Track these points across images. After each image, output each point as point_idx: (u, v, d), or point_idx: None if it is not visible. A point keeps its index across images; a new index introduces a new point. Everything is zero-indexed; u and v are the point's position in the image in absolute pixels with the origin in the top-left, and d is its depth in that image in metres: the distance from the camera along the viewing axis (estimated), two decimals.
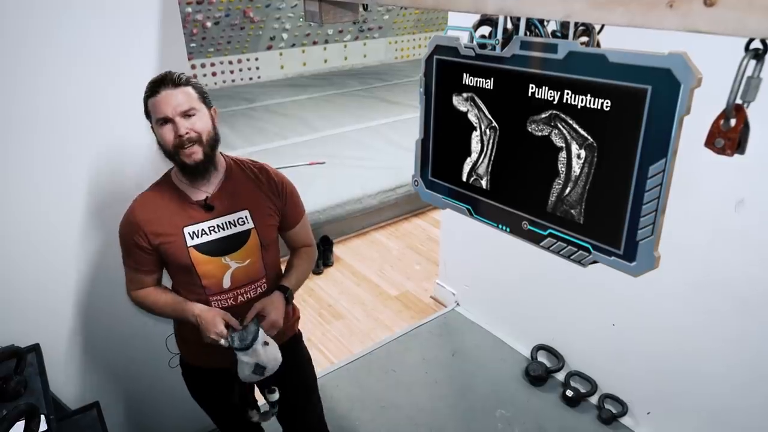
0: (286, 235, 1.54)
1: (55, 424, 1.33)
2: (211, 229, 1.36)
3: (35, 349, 1.55)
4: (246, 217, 1.39)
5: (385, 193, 3.93)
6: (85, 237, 1.65)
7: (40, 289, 1.62)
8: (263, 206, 1.43)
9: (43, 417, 1.30)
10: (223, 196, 1.38)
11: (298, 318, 1.64)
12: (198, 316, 1.34)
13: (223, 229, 1.37)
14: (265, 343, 1.34)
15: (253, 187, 1.43)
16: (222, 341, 1.32)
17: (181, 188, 1.37)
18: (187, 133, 1.25)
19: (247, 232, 1.39)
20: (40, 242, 1.58)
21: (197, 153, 1.28)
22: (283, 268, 1.55)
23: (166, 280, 1.48)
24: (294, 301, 1.58)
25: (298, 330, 1.64)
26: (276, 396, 1.53)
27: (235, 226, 1.38)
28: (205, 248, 1.36)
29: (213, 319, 1.32)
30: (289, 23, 6.38)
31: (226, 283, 1.39)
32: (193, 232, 1.35)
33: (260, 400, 1.63)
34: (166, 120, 1.25)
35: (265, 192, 1.43)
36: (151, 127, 1.31)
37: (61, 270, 1.64)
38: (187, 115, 1.26)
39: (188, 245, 1.34)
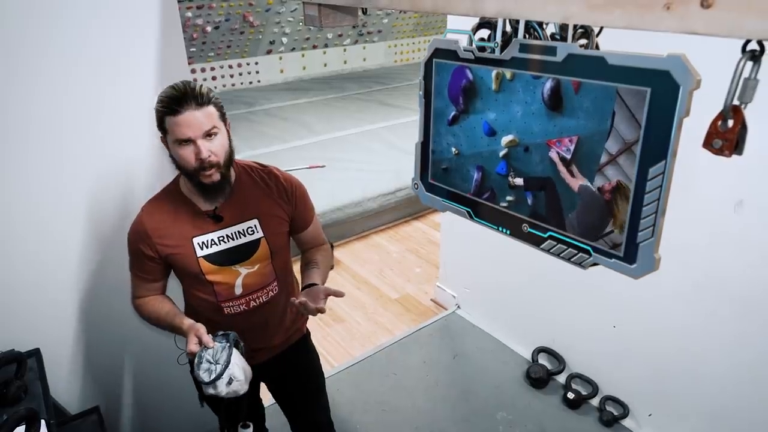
0: (298, 237, 1.52)
1: (56, 428, 1.33)
2: (220, 239, 1.35)
3: (35, 353, 1.55)
4: (255, 226, 1.38)
5: (385, 196, 3.93)
6: (85, 241, 1.65)
7: (40, 294, 1.62)
8: (273, 213, 1.41)
9: (43, 422, 1.29)
10: (232, 205, 1.36)
11: (306, 319, 1.64)
12: (186, 332, 1.29)
13: (233, 239, 1.36)
14: (230, 382, 1.23)
15: (262, 194, 1.40)
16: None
17: (190, 197, 1.35)
18: (209, 156, 1.22)
19: (257, 242, 1.38)
20: (40, 246, 1.58)
21: (215, 175, 1.26)
22: (294, 267, 1.53)
23: (176, 293, 1.47)
24: None
25: (306, 329, 1.64)
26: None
27: (245, 235, 1.37)
28: (215, 258, 1.35)
29: (187, 337, 1.26)
30: (288, 27, 6.40)
31: (238, 289, 1.38)
32: (203, 243, 1.34)
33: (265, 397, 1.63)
34: (188, 141, 1.21)
35: (274, 198, 1.41)
36: (161, 137, 1.27)
37: (61, 274, 1.64)
38: (208, 134, 1.22)
39: (198, 255, 1.33)
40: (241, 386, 1.26)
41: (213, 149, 1.23)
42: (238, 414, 1.43)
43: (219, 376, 1.21)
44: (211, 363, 1.23)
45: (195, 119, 1.19)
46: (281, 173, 1.46)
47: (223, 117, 1.27)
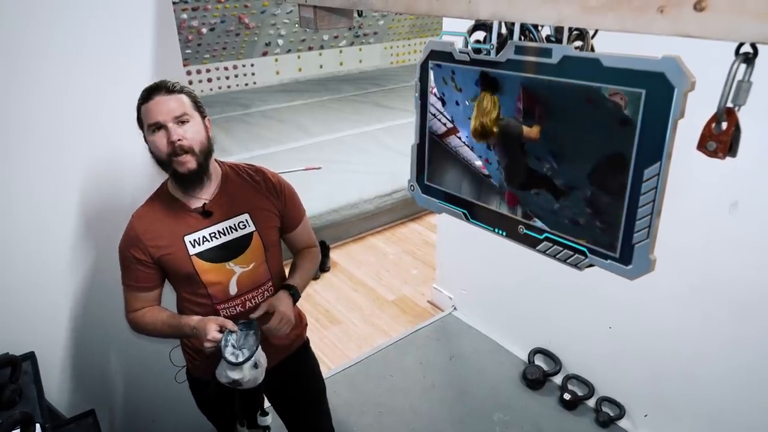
0: (288, 237, 1.52)
1: None
2: (212, 235, 1.34)
3: (30, 356, 1.54)
4: (246, 220, 1.38)
5: (382, 197, 3.93)
6: (81, 244, 1.64)
7: (35, 297, 1.61)
8: (263, 208, 1.41)
9: (38, 425, 1.29)
10: (221, 201, 1.36)
11: (306, 325, 1.62)
12: (195, 327, 1.29)
13: (224, 234, 1.35)
14: (255, 366, 1.28)
15: (251, 189, 1.41)
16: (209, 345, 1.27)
17: (178, 197, 1.34)
18: (179, 140, 1.23)
19: (249, 236, 1.38)
20: (35, 249, 1.57)
21: (191, 162, 1.26)
22: (287, 271, 1.54)
23: (171, 303, 1.46)
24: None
25: (306, 337, 1.63)
26: (268, 420, 1.51)
27: (236, 230, 1.37)
28: (208, 255, 1.34)
29: (206, 327, 1.27)
30: (284, 29, 6.40)
31: (233, 289, 1.37)
32: (194, 240, 1.33)
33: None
34: (159, 126, 1.23)
35: (263, 194, 1.42)
36: (144, 136, 1.28)
37: (56, 277, 1.64)
38: (180, 121, 1.24)
39: (190, 254, 1.32)
40: (261, 373, 1.31)
41: (185, 135, 1.25)
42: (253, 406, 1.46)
43: (248, 359, 1.25)
44: (235, 348, 1.27)
45: (165, 103, 1.23)
46: (269, 171, 1.48)
47: (198, 109, 1.30)
